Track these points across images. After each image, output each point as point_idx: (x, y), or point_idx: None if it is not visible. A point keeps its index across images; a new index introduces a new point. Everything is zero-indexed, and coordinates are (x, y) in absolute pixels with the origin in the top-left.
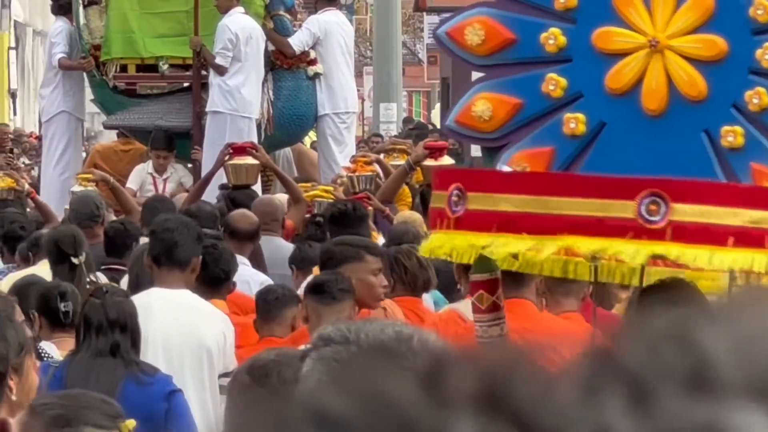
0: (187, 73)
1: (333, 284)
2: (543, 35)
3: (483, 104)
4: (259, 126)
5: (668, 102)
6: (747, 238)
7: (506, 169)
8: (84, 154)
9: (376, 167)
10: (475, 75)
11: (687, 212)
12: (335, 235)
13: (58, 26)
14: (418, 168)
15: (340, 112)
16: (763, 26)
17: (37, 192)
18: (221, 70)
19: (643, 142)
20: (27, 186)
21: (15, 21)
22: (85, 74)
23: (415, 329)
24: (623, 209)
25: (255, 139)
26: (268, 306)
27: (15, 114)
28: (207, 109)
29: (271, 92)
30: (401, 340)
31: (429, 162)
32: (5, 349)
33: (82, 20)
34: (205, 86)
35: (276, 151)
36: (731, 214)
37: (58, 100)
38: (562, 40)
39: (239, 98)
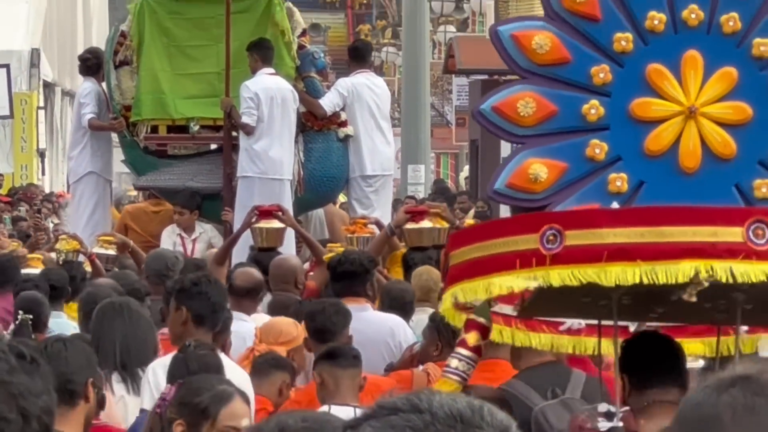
0: (218, 134)
1: (347, 350)
2: (585, 107)
3: (539, 168)
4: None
5: (702, 161)
6: None
7: (615, 205)
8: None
9: (374, 229)
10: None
11: None
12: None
13: (86, 87)
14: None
15: (366, 175)
16: None
17: None
18: (248, 129)
19: (679, 197)
20: (89, 249)
21: (44, 80)
22: (115, 135)
23: (482, 401)
24: (733, 234)
25: (288, 201)
26: (262, 365)
27: (44, 174)
28: (237, 174)
29: (302, 154)
30: (474, 410)
31: (410, 225)
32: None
33: (113, 81)
34: (236, 147)
35: (309, 212)
36: None
37: (87, 161)
38: (602, 110)
39: (266, 160)
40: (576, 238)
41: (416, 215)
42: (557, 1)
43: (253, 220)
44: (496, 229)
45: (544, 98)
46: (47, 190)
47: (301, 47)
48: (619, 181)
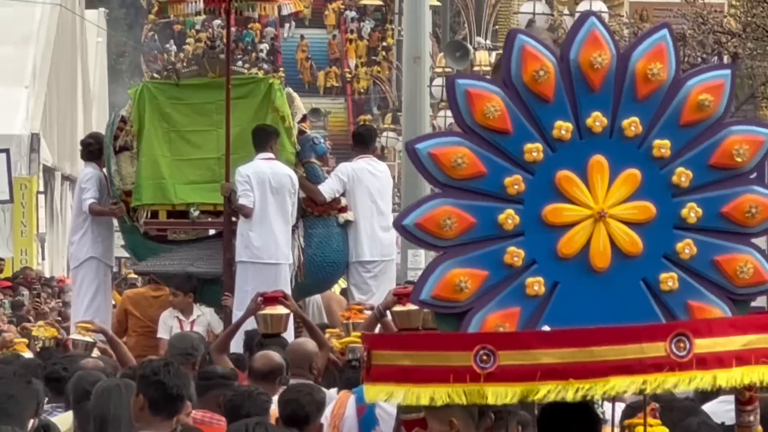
0: (218, 220)
1: None
2: (501, 216)
3: (462, 277)
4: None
5: (611, 260)
6: (743, 358)
7: (546, 328)
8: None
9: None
10: None
11: (704, 345)
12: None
13: (87, 172)
14: None
15: (364, 261)
16: (683, 190)
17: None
18: (246, 211)
19: (592, 295)
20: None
21: (44, 165)
22: (115, 220)
23: None
24: (657, 350)
25: (286, 285)
26: None
27: (44, 259)
28: (236, 259)
29: (302, 239)
30: None
31: (398, 308)
32: None
33: (113, 166)
34: (236, 233)
35: (306, 298)
36: (731, 342)
37: (87, 246)
38: (517, 219)
39: (258, 244)
40: (509, 358)
41: (404, 297)
42: (470, 117)
43: (256, 305)
44: (428, 342)
45: (463, 211)
46: (47, 275)
47: (301, 132)
48: (536, 285)
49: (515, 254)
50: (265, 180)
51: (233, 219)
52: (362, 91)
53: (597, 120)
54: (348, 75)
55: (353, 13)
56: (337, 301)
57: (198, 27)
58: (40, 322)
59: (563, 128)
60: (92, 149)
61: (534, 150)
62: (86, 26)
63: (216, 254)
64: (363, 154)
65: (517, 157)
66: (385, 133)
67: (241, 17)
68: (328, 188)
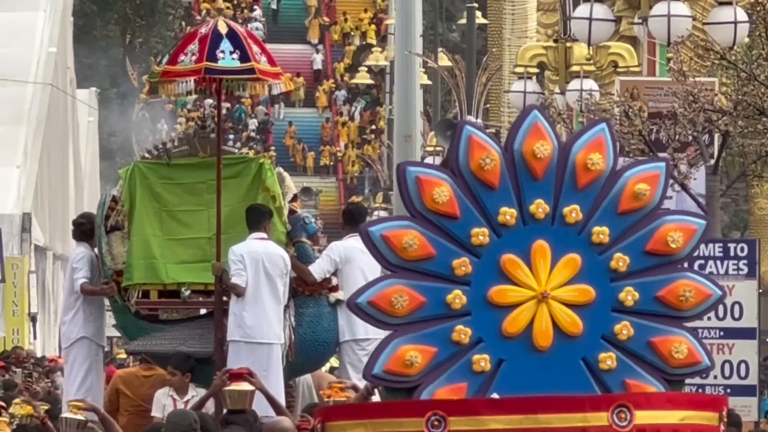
0: (209, 299)
1: None
2: (449, 296)
3: (412, 353)
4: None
5: (553, 339)
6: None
7: (495, 396)
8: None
9: (351, 393)
10: None
11: (644, 417)
12: None
13: (79, 252)
14: None
15: (358, 338)
16: (621, 275)
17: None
18: (239, 290)
19: (535, 372)
20: (42, 413)
21: (35, 245)
22: (106, 300)
23: None
24: (600, 419)
25: (278, 365)
26: None
27: (35, 338)
28: (227, 339)
29: (292, 318)
30: None
31: None
32: None
33: (104, 246)
34: (227, 312)
35: (297, 378)
36: (669, 416)
37: (79, 326)
38: (464, 299)
39: (251, 324)
40: (459, 423)
41: None
42: (420, 203)
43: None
44: (382, 409)
45: (413, 290)
46: (39, 355)
47: (292, 212)
48: (482, 361)
49: (462, 332)
50: (259, 260)
51: (224, 298)
52: (354, 175)
53: (540, 207)
54: (339, 154)
55: (344, 94)
56: (328, 380)
57: (189, 106)
58: (17, 400)
59: (508, 214)
60: (83, 229)
61: (480, 234)
62: (77, 106)
63: (207, 334)
64: (353, 232)
65: (465, 240)
66: (376, 212)
67: (233, 94)
68: (319, 268)
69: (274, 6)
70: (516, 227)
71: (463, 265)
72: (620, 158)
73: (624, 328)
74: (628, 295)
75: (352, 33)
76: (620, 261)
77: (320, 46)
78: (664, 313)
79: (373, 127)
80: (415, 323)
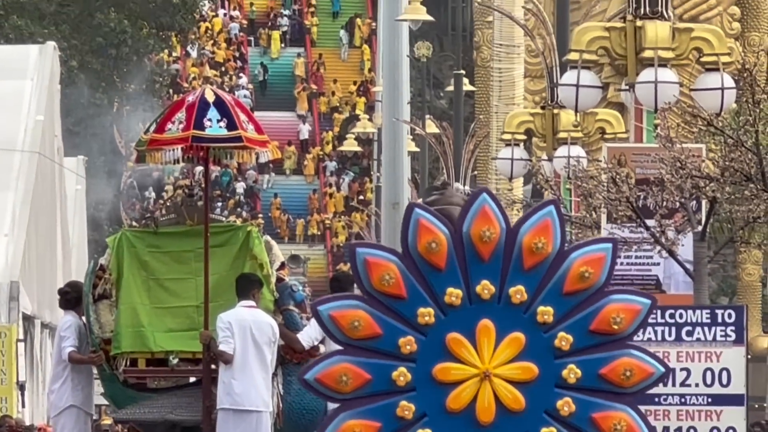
0: (197, 368)
1: None
2: (395, 373)
3: (357, 429)
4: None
5: (496, 415)
6: None
7: None
8: None
9: None
10: None
11: None
12: None
13: (66, 320)
14: None
15: None
16: (564, 353)
17: None
18: (226, 358)
19: None
20: None
21: (23, 313)
22: (94, 368)
23: None
24: None
25: None
26: None
27: (24, 407)
28: (217, 406)
29: (281, 386)
30: None
31: None
32: None
33: (92, 314)
34: (215, 380)
35: None
36: None
37: (67, 394)
38: (409, 376)
39: (239, 391)
40: None
41: None
42: (369, 283)
43: None
44: None
45: (359, 368)
46: (27, 423)
47: (279, 280)
48: None
49: (407, 408)
50: (247, 327)
51: (212, 367)
52: (341, 244)
53: (486, 288)
54: (327, 222)
55: (334, 165)
56: None
57: (177, 174)
58: None
59: (454, 295)
60: (69, 297)
61: (426, 314)
62: (65, 174)
63: (196, 402)
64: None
65: (411, 320)
66: None
67: (220, 162)
68: (306, 336)
69: (261, 78)
70: (462, 307)
71: (408, 343)
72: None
73: (566, 404)
74: (571, 373)
75: (341, 108)
76: (564, 340)
77: (308, 116)
78: (606, 389)
79: (361, 197)
80: (360, 398)
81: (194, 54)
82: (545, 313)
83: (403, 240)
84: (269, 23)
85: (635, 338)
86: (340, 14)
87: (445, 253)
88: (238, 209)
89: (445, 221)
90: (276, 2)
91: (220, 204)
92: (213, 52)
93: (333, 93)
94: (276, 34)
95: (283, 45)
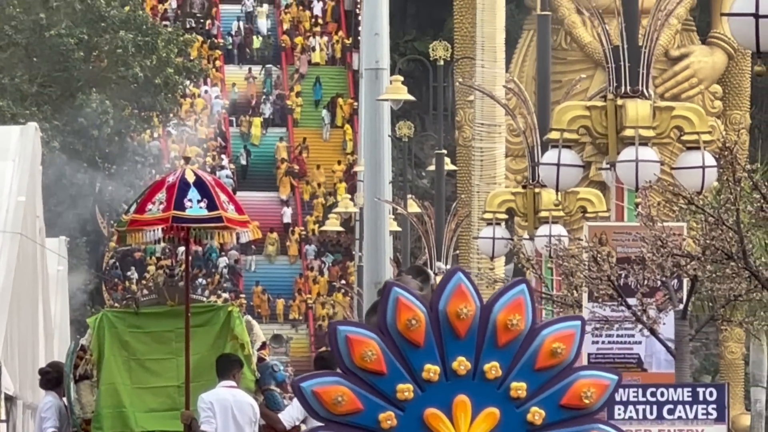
0: None
1: None
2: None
3: None
4: None
5: None
6: None
7: None
8: None
9: None
10: None
11: None
12: None
13: (47, 401)
14: None
15: None
16: (537, 427)
17: None
18: None
19: None
20: None
21: (5, 394)
22: None
23: None
24: None
25: None
26: None
27: None
28: None
29: None
30: None
31: None
32: None
33: (73, 395)
34: None
35: None
36: None
37: None
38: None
39: None
40: None
41: None
42: (350, 360)
43: None
44: None
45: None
46: None
47: (260, 360)
48: None
49: None
50: (228, 408)
51: None
52: (323, 325)
53: (462, 364)
54: (309, 301)
55: (314, 248)
56: None
57: (159, 254)
58: None
59: (432, 371)
60: (50, 378)
61: (405, 390)
62: (47, 254)
63: None
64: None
65: (391, 395)
66: None
67: (201, 242)
68: (288, 416)
69: (243, 161)
70: (439, 383)
71: (388, 419)
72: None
73: None
74: None
75: (324, 198)
76: (536, 414)
77: (291, 200)
78: None
79: (343, 281)
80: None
81: (175, 132)
82: (518, 388)
83: (381, 317)
84: (250, 110)
85: (618, 416)
86: (322, 99)
87: (423, 330)
88: (221, 286)
89: (423, 299)
90: (257, 88)
91: (202, 280)
92: (195, 129)
93: (318, 185)
94: (257, 121)
95: (264, 131)
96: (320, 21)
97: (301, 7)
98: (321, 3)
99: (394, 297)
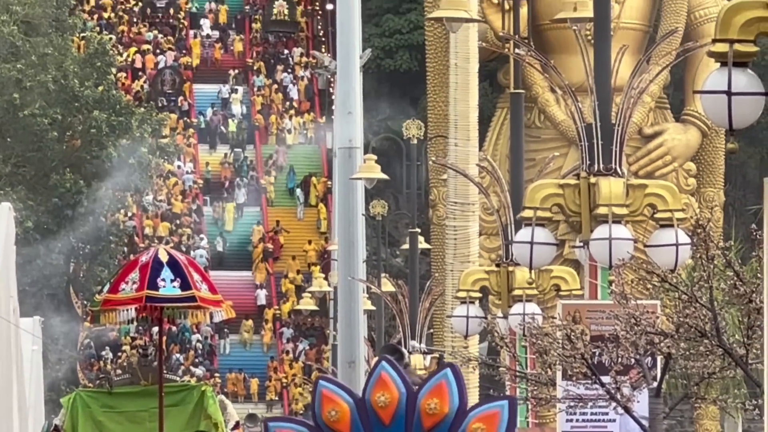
0: None
1: None
2: None
3: None
4: None
5: None
6: None
7: None
8: None
9: None
10: None
11: None
12: None
13: None
14: None
15: None
16: None
17: None
18: None
19: None
20: None
21: None
22: None
23: None
24: None
25: None
26: None
27: None
28: None
29: None
30: None
31: None
32: None
33: None
34: None
35: None
36: None
37: None
38: None
39: None
40: None
41: None
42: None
43: None
44: None
45: None
46: None
47: None
48: None
49: None
50: None
51: None
52: (300, 412)
53: None
54: (284, 381)
55: (291, 332)
56: None
57: (133, 334)
58: None
59: None
60: None
61: None
62: (21, 334)
63: None
64: None
65: None
66: None
67: (174, 322)
68: None
69: (220, 248)
70: None
71: None
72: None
73: None
74: None
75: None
76: None
77: (265, 284)
78: None
79: (319, 365)
80: None
81: (150, 208)
82: None
83: (312, 411)
84: (224, 192)
85: None
86: (295, 186)
87: (347, 420)
88: (194, 363)
89: (351, 391)
90: (230, 171)
91: (178, 356)
92: (169, 203)
93: (295, 274)
94: (230, 206)
95: (237, 215)
96: (294, 103)
97: (275, 87)
98: (295, 86)
99: (319, 390)
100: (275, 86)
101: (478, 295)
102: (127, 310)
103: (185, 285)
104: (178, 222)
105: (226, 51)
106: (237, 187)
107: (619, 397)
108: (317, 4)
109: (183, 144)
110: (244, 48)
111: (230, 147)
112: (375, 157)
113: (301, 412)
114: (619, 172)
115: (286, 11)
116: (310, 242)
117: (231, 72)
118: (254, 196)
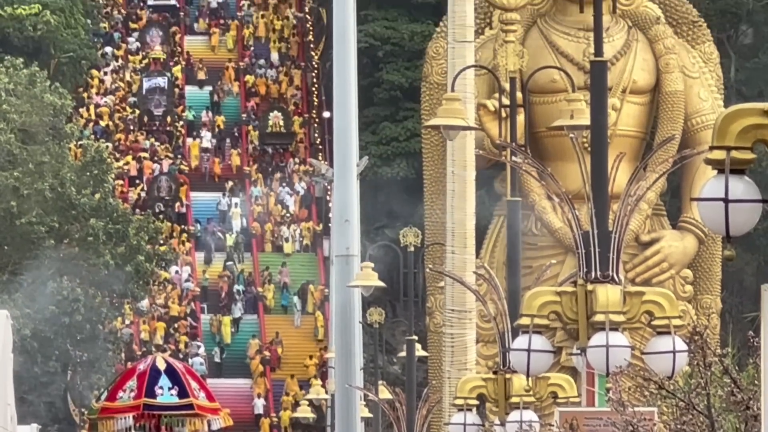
0: None
1: None
2: None
3: None
4: None
5: None
6: None
7: None
8: None
9: None
10: None
11: None
12: None
13: None
14: None
15: None
16: None
17: None
18: None
19: None
20: None
21: None
22: None
23: None
24: None
25: None
26: None
27: None
28: None
29: None
30: None
31: None
32: None
33: None
34: None
35: None
36: None
37: None
38: None
39: None
40: None
41: None
42: None
43: None
44: None
45: None
46: None
47: None
48: None
49: None
50: None
51: None
52: None
53: None
54: None
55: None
56: None
57: None
58: None
59: None
60: None
61: None
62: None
63: None
64: None
65: None
66: None
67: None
68: None
69: (217, 359)
70: None
71: None
72: None
73: None
74: None
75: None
76: None
77: (263, 393)
78: None
79: None
80: None
81: (147, 311)
82: None
83: None
84: (221, 302)
85: None
86: (289, 305)
87: None
88: None
89: None
90: (227, 284)
91: None
92: (166, 307)
93: (297, 390)
94: (227, 320)
95: (234, 330)
96: (291, 212)
97: (272, 195)
98: (292, 197)
99: None
100: (272, 194)
101: (476, 402)
102: (125, 418)
103: (183, 393)
104: (175, 326)
105: (223, 160)
106: (233, 302)
107: None
108: (314, 112)
109: (181, 252)
110: (242, 160)
111: (227, 259)
112: (372, 265)
113: None
114: (617, 280)
115: (281, 122)
116: (311, 357)
117: (227, 184)
118: (251, 303)
